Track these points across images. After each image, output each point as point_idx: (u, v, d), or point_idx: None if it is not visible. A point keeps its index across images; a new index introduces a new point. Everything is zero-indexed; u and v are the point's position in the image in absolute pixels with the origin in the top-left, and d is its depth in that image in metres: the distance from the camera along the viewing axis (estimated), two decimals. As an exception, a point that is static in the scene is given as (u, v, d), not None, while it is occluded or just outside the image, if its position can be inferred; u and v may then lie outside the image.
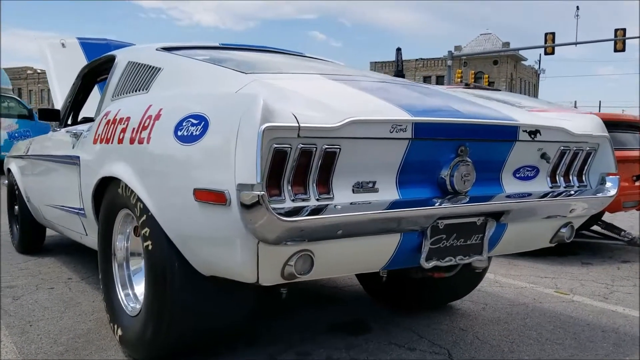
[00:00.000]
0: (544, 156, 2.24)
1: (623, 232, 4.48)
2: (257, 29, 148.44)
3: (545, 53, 30.66)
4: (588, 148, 2.37)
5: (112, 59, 3.00)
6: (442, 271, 2.28)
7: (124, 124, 2.27)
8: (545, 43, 29.22)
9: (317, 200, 1.70)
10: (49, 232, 4.36)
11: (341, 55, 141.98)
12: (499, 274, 3.83)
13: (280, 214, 1.56)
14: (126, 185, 2.16)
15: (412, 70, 62.52)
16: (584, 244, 4.80)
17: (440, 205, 1.90)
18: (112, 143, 2.33)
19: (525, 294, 3.38)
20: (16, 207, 4.42)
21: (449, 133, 1.93)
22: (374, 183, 1.84)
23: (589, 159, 2.40)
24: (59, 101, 4.59)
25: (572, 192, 2.32)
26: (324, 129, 1.63)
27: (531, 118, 2.24)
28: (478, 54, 48.51)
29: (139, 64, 2.60)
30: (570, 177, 2.38)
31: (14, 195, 4.42)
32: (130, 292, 2.37)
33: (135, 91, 2.52)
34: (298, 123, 1.58)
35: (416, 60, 62.85)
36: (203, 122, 1.75)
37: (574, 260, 4.35)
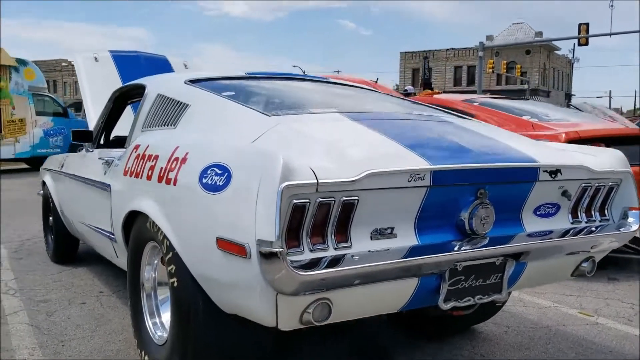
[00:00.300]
0: (565, 194, 2.24)
1: (651, 247, 4.42)
2: (286, 19, 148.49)
3: (579, 44, 30.09)
4: (610, 183, 2.35)
5: (142, 87, 3.09)
6: (460, 310, 2.31)
7: (152, 161, 2.35)
8: (579, 34, 28.63)
9: (335, 249, 1.74)
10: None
11: (371, 44, 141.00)
12: (523, 291, 3.83)
13: (298, 267, 1.61)
14: (153, 222, 2.24)
15: (443, 60, 61.87)
16: (611, 258, 4.74)
17: (459, 249, 1.93)
18: (140, 178, 2.41)
19: (548, 315, 3.38)
20: (51, 218, 4.57)
21: (468, 178, 1.95)
22: (392, 229, 1.88)
23: (611, 194, 2.39)
24: (90, 112, 4.73)
25: (594, 229, 2.31)
26: (342, 183, 1.67)
27: (551, 157, 2.23)
28: (509, 45, 47.67)
29: (168, 97, 2.67)
30: (592, 212, 2.37)
31: (49, 206, 4.57)
32: (157, 320, 2.46)
33: (164, 125, 2.60)
34: (317, 179, 1.62)
35: (447, 50, 62.12)
36: (226, 174, 1.81)
37: (600, 276, 4.30)
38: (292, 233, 1.66)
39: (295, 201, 1.62)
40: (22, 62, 14.36)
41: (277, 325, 1.77)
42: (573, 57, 62.40)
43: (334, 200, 1.69)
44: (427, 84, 9.26)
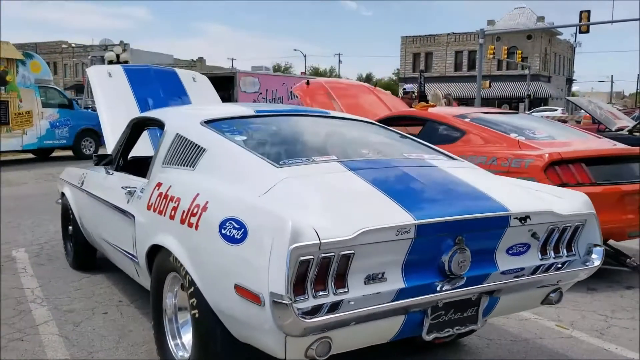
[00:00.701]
0: (534, 235, 2.57)
1: (628, 260, 4.75)
2: None
3: (580, 32, 30.22)
4: (576, 224, 2.68)
5: (160, 123, 3.40)
6: (441, 338, 2.66)
7: (175, 202, 2.68)
8: (580, 21, 28.75)
9: (335, 294, 2.08)
10: (100, 251, 4.85)
11: (372, 26, 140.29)
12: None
13: (303, 314, 1.95)
14: (176, 257, 2.58)
15: (444, 45, 61.78)
16: (592, 267, 5.07)
17: (439, 290, 2.27)
18: (164, 216, 2.74)
19: (527, 328, 3.73)
20: (70, 227, 4.91)
21: (447, 229, 2.28)
22: (383, 274, 2.21)
23: (577, 232, 2.72)
24: (104, 122, 5.06)
25: (560, 265, 2.65)
26: (340, 241, 2.00)
27: (522, 203, 2.55)
28: (510, 30, 47.59)
29: (186, 139, 2.99)
30: (560, 249, 2.71)
31: (68, 216, 4.90)
32: (179, 341, 2.81)
33: (183, 165, 2.92)
34: (319, 240, 1.96)
35: (448, 34, 61.99)
36: (243, 230, 2.14)
37: (581, 286, 4.62)
38: (298, 283, 2.00)
39: (302, 258, 1.95)
40: (28, 55, 14.64)
41: (286, 358, 2.11)
42: (575, 42, 62.27)
43: (334, 255, 2.02)
44: (422, 97, 9.55)
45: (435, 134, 5.38)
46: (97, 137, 15.99)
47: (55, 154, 16.12)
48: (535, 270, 2.58)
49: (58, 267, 5.03)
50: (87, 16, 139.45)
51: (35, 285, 4.52)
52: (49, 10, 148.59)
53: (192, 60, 68.62)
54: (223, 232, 2.24)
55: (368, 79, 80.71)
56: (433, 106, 6.30)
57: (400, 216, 2.19)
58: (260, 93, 21.05)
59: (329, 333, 2.06)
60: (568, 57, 66.78)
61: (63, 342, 3.42)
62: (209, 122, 3.09)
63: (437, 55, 62.31)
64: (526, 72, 52.22)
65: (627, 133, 11.51)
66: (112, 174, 3.89)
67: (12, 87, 13.79)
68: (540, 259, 2.64)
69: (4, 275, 4.81)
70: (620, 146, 5.06)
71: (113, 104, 5.21)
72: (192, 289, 2.47)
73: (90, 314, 3.90)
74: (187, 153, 2.94)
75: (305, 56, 78.27)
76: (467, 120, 5.32)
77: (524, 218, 2.46)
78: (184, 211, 2.57)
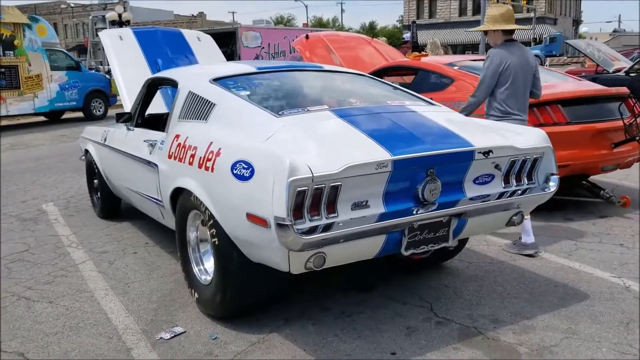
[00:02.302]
0: (497, 167, 3.04)
1: (602, 192, 5.22)
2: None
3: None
4: (535, 156, 3.15)
5: (173, 82, 3.86)
6: (419, 255, 3.17)
7: (192, 151, 3.16)
8: (584, -39, 28.29)
9: (327, 219, 2.58)
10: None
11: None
12: (489, 233, 4.68)
13: (301, 233, 2.45)
14: (196, 197, 3.08)
15: (447, -11, 60.62)
16: (572, 200, 5.57)
17: (415, 213, 2.76)
18: (183, 162, 3.23)
19: (504, 253, 4.25)
20: (95, 181, 5.43)
21: (420, 163, 2.75)
22: (367, 202, 2.70)
23: (536, 163, 3.18)
24: (120, 83, 5.51)
25: (521, 192, 3.13)
26: (329, 175, 2.48)
27: (485, 140, 3.00)
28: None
29: (198, 96, 3.44)
30: (522, 178, 3.18)
31: (93, 171, 5.42)
32: (202, 267, 3.34)
33: (197, 119, 3.38)
34: (312, 174, 2.44)
35: (450, -22, 60.73)
36: (251, 169, 2.63)
37: (558, 216, 5.15)
38: (297, 210, 2.49)
39: (298, 189, 2.44)
40: (34, 19, 14.93)
41: (290, 271, 2.63)
42: (581, -19, 60.91)
43: (324, 186, 2.51)
44: (415, 47, 9.81)
45: (426, 82, 5.78)
46: (105, 98, 16.44)
47: (65, 115, 16.59)
48: (499, 196, 3.06)
49: (86, 217, 5.58)
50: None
51: (69, 232, 5.07)
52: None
53: (193, 15, 68.04)
54: (234, 172, 2.72)
55: (371, 27, 79.68)
56: (425, 55, 6.66)
57: (379, 153, 2.66)
58: (263, 47, 21.25)
59: (323, 249, 2.57)
60: (574, -2, 65.47)
61: (102, 276, 3.98)
62: (217, 80, 3.53)
63: (441, 1, 61.32)
64: (531, 14, 51.47)
65: (623, 74, 11.80)
66: (133, 130, 4.36)
67: (21, 52, 14.15)
68: (504, 187, 3.11)
69: (40, 225, 5.37)
70: (595, 87, 5.45)
71: (126, 66, 5.64)
72: (211, 222, 2.98)
73: (122, 254, 4.45)
74: (200, 108, 3.40)
75: (306, 7, 77.13)
76: (455, 68, 5.70)
77: (487, 152, 2.92)
78: (200, 157, 3.05)
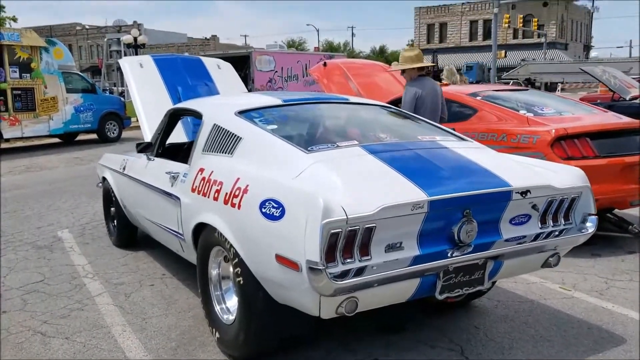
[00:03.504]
0: (534, 207, 2.92)
1: (631, 227, 5.08)
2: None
3: (597, -3, 29.84)
4: (573, 195, 3.03)
5: (198, 114, 3.79)
6: (453, 298, 3.04)
7: (217, 186, 3.07)
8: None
9: (360, 261, 2.47)
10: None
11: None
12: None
13: (334, 277, 2.34)
14: (221, 233, 2.99)
15: (459, 14, 61.20)
16: (598, 235, 5.40)
17: (450, 256, 2.64)
18: (208, 197, 3.14)
19: (533, 290, 4.11)
20: (112, 209, 5.36)
21: (456, 203, 2.65)
22: (400, 243, 2.59)
23: (574, 203, 3.06)
24: (139, 110, 5.47)
25: (558, 232, 3.01)
26: (364, 216, 2.38)
27: (523, 178, 2.90)
28: (526, -2, 46.93)
29: (223, 129, 3.37)
30: (558, 218, 3.06)
31: (110, 199, 5.35)
32: (224, 306, 3.23)
33: (222, 152, 3.30)
34: (346, 216, 2.34)
35: (462, 4, 61.35)
36: (281, 208, 2.53)
37: (585, 251, 4.98)
38: (329, 252, 2.39)
39: (332, 231, 2.34)
40: (51, 42, 15.09)
41: (320, 315, 2.52)
42: (592, 7, 61.23)
43: (359, 228, 2.40)
44: (436, 77, 9.72)
45: (448, 112, 5.69)
46: (120, 120, 16.51)
47: (80, 137, 16.66)
48: (535, 237, 2.94)
49: (102, 245, 5.49)
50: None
51: (85, 262, 4.99)
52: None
53: (206, 38, 68.81)
54: (263, 210, 2.63)
55: (382, 51, 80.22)
56: (446, 85, 6.60)
57: (414, 194, 2.56)
58: (276, 71, 21.36)
59: (355, 293, 2.45)
60: (585, 23, 65.75)
61: (118, 311, 3.87)
62: (242, 113, 3.46)
63: (451, 26, 61.77)
64: (542, 40, 51.65)
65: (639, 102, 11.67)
66: (153, 159, 4.29)
67: (37, 74, 14.28)
68: (540, 228, 3.00)
69: (55, 253, 5.29)
70: (623, 120, 5.34)
71: (146, 93, 5.61)
72: (236, 260, 2.87)
73: (138, 286, 4.35)
74: (225, 141, 3.32)
75: (318, 31, 77.87)
76: (478, 98, 5.63)
77: (524, 192, 2.81)
78: (226, 193, 2.96)
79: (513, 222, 2.93)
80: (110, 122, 16.29)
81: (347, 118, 3.75)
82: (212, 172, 3.22)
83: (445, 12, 62.14)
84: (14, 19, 26.14)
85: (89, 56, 70.45)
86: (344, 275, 2.39)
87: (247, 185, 2.83)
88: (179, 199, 3.55)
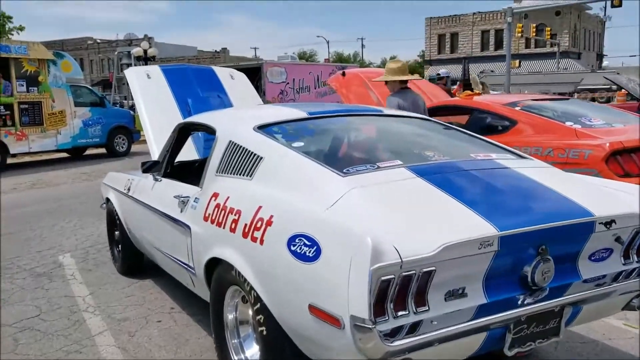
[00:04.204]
0: (618, 240, 2.41)
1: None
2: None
3: (612, 5, 29.34)
4: (661, 224, 2.51)
5: (210, 129, 3.32)
6: (523, 352, 2.53)
7: (235, 215, 2.59)
8: (613, -4, 27.88)
9: (415, 314, 1.97)
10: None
11: (394, 8, 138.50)
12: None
13: (385, 336, 1.84)
14: (239, 272, 2.50)
15: (470, 24, 60.76)
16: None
17: (522, 304, 2.14)
18: (223, 228, 2.66)
19: (594, 328, 3.57)
20: (116, 232, 4.89)
21: (531, 238, 2.14)
22: (464, 289, 2.09)
23: (662, 234, 2.54)
24: (146, 125, 5.00)
25: None
26: (422, 259, 1.89)
27: (605, 206, 2.39)
28: (538, 7, 46.42)
29: (240, 146, 2.89)
30: (643, 251, 2.54)
31: (114, 221, 4.88)
32: (242, 356, 2.73)
33: (239, 174, 2.82)
34: (401, 259, 1.85)
35: (473, 14, 60.91)
36: (315, 247, 2.04)
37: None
38: (377, 303, 1.89)
39: (383, 278, 1.84)
40: (59, 55, 14.76)
41: (364, 380, 2.01)
42: (605, 16, 60.62)
43: (415, 273, 1.91)
44: (466, 85, 9.21)
45: (483, 124, 5.20)
46: (129, 134, 16.13)
47: (88, 152, 16.27)
48: (617, 275, 2.43)
49: (106, 272, 5.02)
50: (109, 12, 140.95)
51: (86, 292, 4.51)
52: (71, 7, 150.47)
53: (216, 51, 68.79)
54: (292, 248, 2.14)
55: (392, 62, 79.67)
56: (478, 94, 6.10)
57: (481, 227, 2.06)
58: (287, 83, 20.96)
59: (410, 354, 1.95)
60: (598, 32, 65.06)
61: (121, 354, 3.39)
62: (262, 128, 2.99)
63: (462, 36, 61.33)
64: (555, 49, 51.05)
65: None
66: (160, 180, 3.82)
67: (45, 88, 13.92)
68: (623, 264, 2.48)
69: (55, 282, 4.82)
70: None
71: (154, 106, 5.16)
72: (258, 306, 2.38)
73: (144, 322, 3.87)
74: (243, 161, 2.84)
75: (328, 42, 77.60)
76: (517, 108, 5.12)
77: (609, 222, 2.31)
78: (246, 224, 2.48)
79: (592, 258, 2.42)
80: (119, 136, 15.90)
81: (384, 133, 3.25)
82: (228, 198, 2.74)
83: (456, 22, 61.69)
84: (21, 28, 25.84)
85: (100, 70, 70.65)
86: (395, 332, 1.90)
87: (271, 216, 2.35)
88: (189, 227, 3.07)
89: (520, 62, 45.93)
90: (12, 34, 25.36)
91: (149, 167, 3.84)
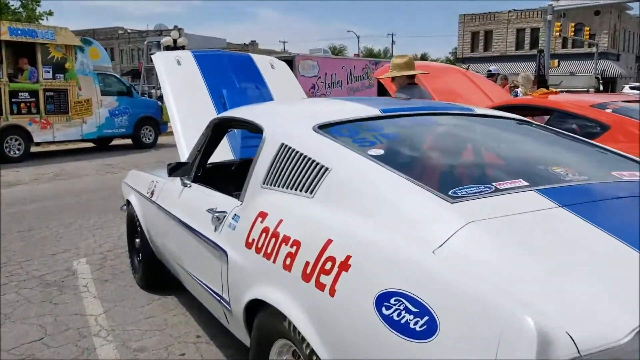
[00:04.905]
0: None
1: None
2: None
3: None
4: None
5: (256, 127, 2.63)
6: None
7: (290, 246, 1.90)
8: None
9: None
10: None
11: (425, 4, 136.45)
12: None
13: None
14: (294, 326, 1.82)
15: (505, 22, 59.32)
16: None
17: None
18: (274, 262, 1.98)
19: None
20: (137, 240, 4.26)
21: None
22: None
23: None
24: (174, 117, 4.34)
25: None
26: (609, 350, 1.18)
27: None
28: (579, 5, 44.93)
29: (297, 151, 2.20)
30: None
31: (135, 227, 4.25)
32: None
33: (295, 188, 2.14)
34: (579, 352, 1.14)
35: (509, 12, 59.46)
36: (427, 317, 1.34)
37: None
38: None
39: None
40: (86, 41, 14.28)
41: None
42: (646, 16, 58.54)
43: None
44: (542, 82, 8.32)
45: (565, 128, 4.42)
46: (156, 125, 15.60)
47: (114, 142, 15.77)
48: None
49: (123, 284, 4.39)
50: (142, 2, 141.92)
51: (100, 310, 3.89)
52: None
53: (245, 44, 68.40)
54: (386, 312, 1.45)
55: (423, 59, 78.61)
56: (555, 93, 5.32)
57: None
58: (319, 77, 20.29)
59: None
60: (638, 34, 62.94)
61: (135, 401, 2.74)
62: (324, 128, 2.29)
63: (497, 34, 59.90)
64: (593, 50, 49.45)
65: None
66: (190, 186, 3.17)
67: (71, 75, 13.42)
68: None
69: (66, 294, 4.22)
70: None
71: (183, 97, 4.50)
72: (323, 378, 1.70)
73: (165, 354, 3.23)
74: (300, 172, 2.15)
75: (359, 37, 76.56)
76: (608, 111, 4.34)
77: None
78: (307, 262, 1.79)
79: None
80: (146, 127, 15.36)
81: (489, 139, 2.52)
82: (281, 221, 2.05)
83: (491, 20, 60.20)
84: (50, 14, 25.50)
85: (129, 60, 70.69)
86: None
87: (348, 257, 1.65)
88: (225, 253, 2.39)
89: (559, 62, 44.38)
90: (43, 19, 25.06)
91: (176, 170, 3.18)
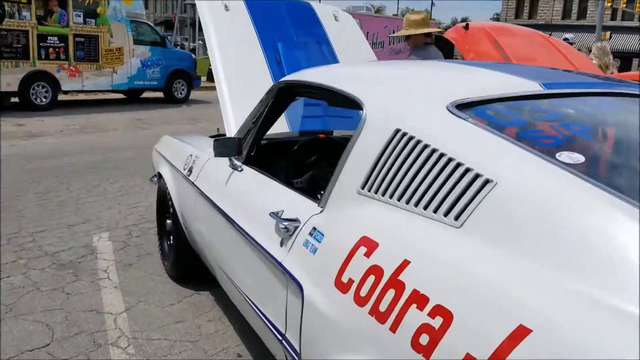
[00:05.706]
0: None
1: None
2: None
3: None
4: None
5: (348, 100, 1.83)
6: None
7: (429, 315, 1.13)
8: None
9: None
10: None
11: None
12: None
13: None
14: None
15: (552, -11, 56.55)
16: None
17: None
18: (383, 323, 1.22)
19: None
20: (168, 221, 3.55)
21: None
22: None
23: None
24: (219, 75, 3.53)
25: None
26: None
27: None
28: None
29: (427, 146, 1.41)
30: None
31: (167, 207, 3.53)
32: None
33: (424, 207, 1.35)
34: None
35: (557, -22, 56.58)
36: None
37: None
38: None
39: None
40: (120, -14, 13.45)
41: None
42: None
43: None
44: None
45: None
46: (189, 79, 14.86)
47: (144, 95, 15.09)
48: None
49: (150, 272, 3.71)
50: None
51: (120, 307, 3.20)
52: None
53: (280, -2, 66.61)
54: None
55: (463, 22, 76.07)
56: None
57: None
58: (361, 37, 19.20)
59: None
60: (695, 8, 59.61)
61: None
62: (465, 108, 1.48)
63: (544, 1, 57.22)
64: (644, 23, 46.83)
65: None
66: (241, 169, 2.41)
67: (103, 20, 12.68)
68: None
69: (81, 280, 3.55)
70: None
71: (231, 51, 3.68)
72: None
73: (199, 381, 2.53)
74: (434, 181, 1.36)
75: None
76: None
77: None
78: (433, 328, 1.02)
79: None
80: (178, 80, 14.62)
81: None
82: (407, 265, 1.26)
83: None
84: None
85: (163, 10, 69.61)
86: None
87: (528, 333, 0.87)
88: (300, 286, 1.63)
89: (611, 34, 42.02)
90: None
91: (223, 147, 2.40)
